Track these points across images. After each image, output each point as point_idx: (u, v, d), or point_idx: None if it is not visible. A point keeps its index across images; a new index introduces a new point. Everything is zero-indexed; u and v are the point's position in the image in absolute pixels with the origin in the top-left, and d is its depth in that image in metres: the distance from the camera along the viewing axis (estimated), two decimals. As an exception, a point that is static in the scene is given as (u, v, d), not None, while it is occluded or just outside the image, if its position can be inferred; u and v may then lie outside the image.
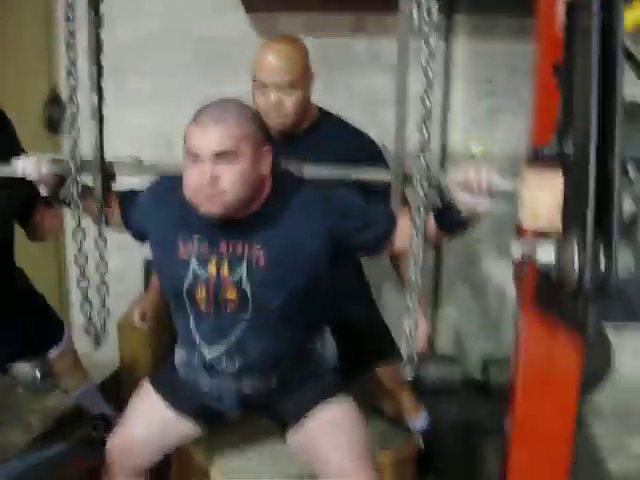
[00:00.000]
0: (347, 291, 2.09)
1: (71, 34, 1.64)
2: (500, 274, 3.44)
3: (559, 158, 0.83)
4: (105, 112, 3.23)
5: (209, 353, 1.74)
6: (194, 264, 1.68)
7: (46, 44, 3.41)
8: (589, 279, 0.70)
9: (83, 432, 2.86)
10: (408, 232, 1.58)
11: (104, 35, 3.29)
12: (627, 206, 0.82)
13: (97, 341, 1.85)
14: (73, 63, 1.66)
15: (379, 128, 2.26)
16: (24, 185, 1.78)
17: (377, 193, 1.70)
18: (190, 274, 1.68)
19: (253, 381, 1.78)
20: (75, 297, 3.57)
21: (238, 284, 1.65)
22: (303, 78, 2.03)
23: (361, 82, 3.21)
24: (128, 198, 1.83)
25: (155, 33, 3.26)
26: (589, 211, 0.70)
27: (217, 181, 1.55)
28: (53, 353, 2.62)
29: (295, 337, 1.76)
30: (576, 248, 0.73)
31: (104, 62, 3.35)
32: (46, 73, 3.43)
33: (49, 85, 3.44)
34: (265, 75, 1.99)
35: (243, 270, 1.65)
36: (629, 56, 0.82)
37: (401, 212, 1.66)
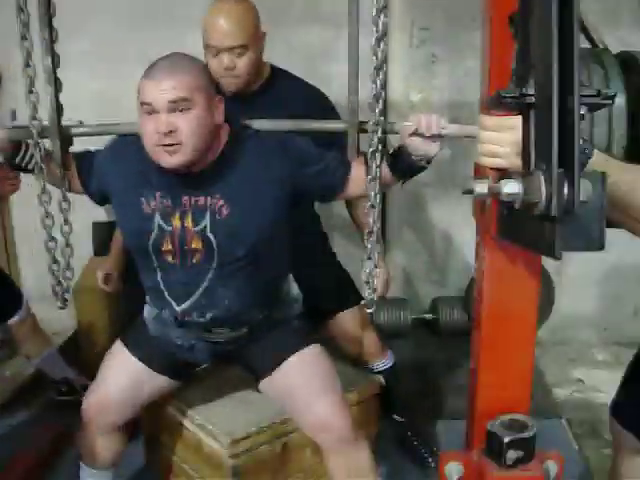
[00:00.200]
0: (306, 240, 2.13)
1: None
2: (444, 217, 3.57)
3: (518, 102, 0.90)
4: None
5: (178, 305, 1.78)
6: (158, 219, 1.72)
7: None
8: (556, 204, 0.78)
9: (46, 397, 2.90)
10: (363, 178, 1.66)
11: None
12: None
13: (64, 302, 1.85)
14: (26, 26, 1.63)
15: (319, 81, 2.31)
16: None
17: (329, 145, 1.77)
18: (155, 228, 1.72)
19: (224, 331, 1.83)
20: (24, 262, 3.58)
21: (202, 233, 1.69)
22: (255, 39, 2.05)
23: (299, 37, 3.23)
24: (85, 161, 1.83)
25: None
26: (553, 146, 0.78)
27: (175, 131, 1.58)
28: (13, 321, 2.65)
29: (262, 285, 1.81)
30: (542, 179, 0.81)
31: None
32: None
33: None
34: (217, 40, 2.00)
35: (207, 220, 1.69)
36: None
37: (356, 160, 1.72)
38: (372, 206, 1.64)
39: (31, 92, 1.69)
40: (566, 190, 0.78)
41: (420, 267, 3.66)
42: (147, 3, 3.19)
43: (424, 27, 3.32)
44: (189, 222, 1.70)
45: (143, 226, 1.73)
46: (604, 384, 2.93)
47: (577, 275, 3.49)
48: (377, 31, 1.54)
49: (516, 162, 1.04)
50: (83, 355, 3.10)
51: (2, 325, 2.65)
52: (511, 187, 0.89)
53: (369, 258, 1.67)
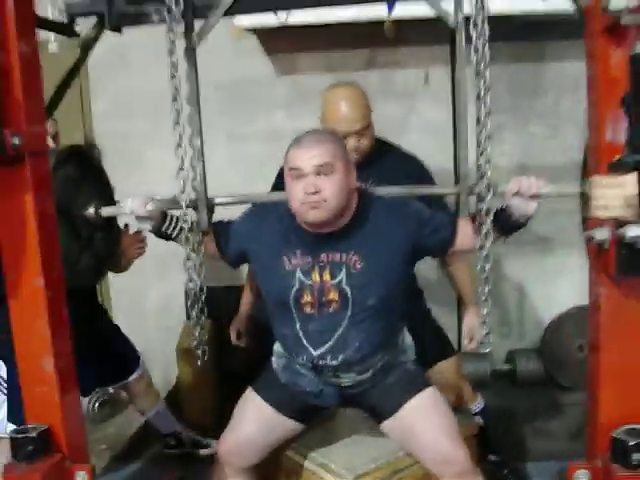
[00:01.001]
0: (411, 296, 2.34)
1: (176, 89, 1.92)
2: (515, 273, 3.78)
3: (635, 164, 1.15)
4: (147, 153, 3.52)
5: (315, 350, 1.98)
6: (299, 274, 1.95)
7: (79, 95, 3.69)
8: None
9: (155, 450, 3.13)
10: (469, 234, 1.91)
11: (137, 84, 3.59)
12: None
13: (203, 358, 2.10)
14: (178, 112, 1.93)
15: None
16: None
17: (427, 204, 2.03)
18: (297, 283, 1.95)
19: (352, 374, 2.03)
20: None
21: (339, 286, 1.92)
22: (370, 118, 2.36)
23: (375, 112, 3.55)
24: (222, 227, 2.09)
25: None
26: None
27: (319, 191, 1.84)
28: (132, 378, 2.89)
29: (386, 331, 2.02)
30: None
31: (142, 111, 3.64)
32: (80, 122, 3.72)
33: (84, 133, 3.73)
34: (342, 126, 2.27)
35: (342, 274, 1.92)
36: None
37: (462, 220, 1.96)
38: (485, 260, 1.88)
39: (182, 169, 1.96)
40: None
41: (494, 321, 3.85)
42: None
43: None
44: (327, 276, 1.93)
45: (285, 281, 1.96)
46: None
47: None
48: (485, 107, 1.82)
49: (626, 212, 1.28)
50: (185, 410, 3.35)
51: (123, 383, 2.89)
52: (634, 231, 1.13)
53: (485, 300, 1.90)
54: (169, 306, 3.89)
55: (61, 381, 1.61)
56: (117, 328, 2.84)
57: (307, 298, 1.95)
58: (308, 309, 1.96)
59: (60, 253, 1.66)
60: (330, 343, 1.97)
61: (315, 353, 1.99)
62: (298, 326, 2.00)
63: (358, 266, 1.92)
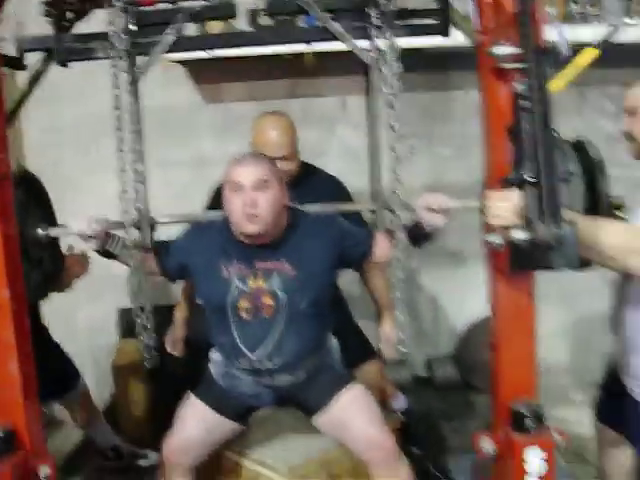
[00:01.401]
0: (335, 303, 2.55)
1: (118, 119, 2.11)
2: (431, 288, 4.09)
3: (519, 181, 1.42)
4: (81, 180, 3.64)
5: (252, 354, 2.17)
6: (236, 281, 2.15)
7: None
8: (552, 239, 1.30)
9: (94, 464, 3.24)
10: (386, 247, 2.17)
11: (70, 111, 3.70)
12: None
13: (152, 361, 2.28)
14: (121, 140, 2.11)
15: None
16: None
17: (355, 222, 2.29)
18: (234, 289, 2.15)
19: (286, 377, 2.23)
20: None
21: (273, 291, 2.13)
22: (296, 145, 2.63)
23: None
24: (162, 246, 2.28)
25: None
26: (545, 206, 1.30)
27: (256, 204, 2.05)
28: (72, 394, 3.02)
29: (318, 335, 2.25)
30: (542, 226, 1.33)
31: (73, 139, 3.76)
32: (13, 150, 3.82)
33: (17, 161, 3.83)
34: (271, 151, 2.50)
35: (276, 280, 2.14)
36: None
37: (378, 234, 2.22)
38: (398, 271, 2.13)
39: (125, 192, 2.14)
40: (554, 230, 1.30)
41: (412, 331, 4.14)
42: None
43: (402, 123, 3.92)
44: (262, 282, 2.14)
45: (223, 288, 2.15)
46: (583, 419, 3.38)
47: (550, 327, 4.01)
48: (396, 136, 2.09)
49: (514, 219, 1.55)
50: (121, 425, 3.46)
51: (64, 398, 3.01)
52: (520, 234, 1.40)
53: (398, 310, 2.16)
54: (101, 326, 4.00)
55: (24, 385, 1.77)
56: (58, 345, 2.96)
57: (243, 304, 2.14)
58: (244, 315, 2.15)
59: (22, 281, 1.82)
60: (267, 347, 2.16)
61: (253, 357, 2.17)
62: (236, 333, 2.17)
63: (290, 273, 2.14)
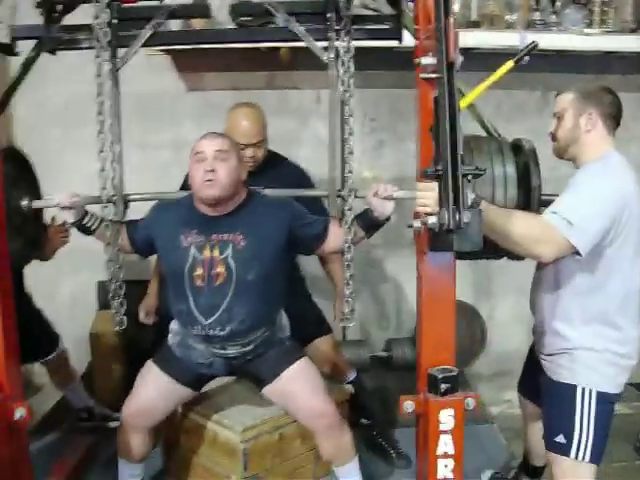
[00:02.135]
0: (292, 282, 2.70)
1: (101, 104, 2.34)
2: (391, 273, 4.35)
3: (435, 173, 1.65)
4: (64, 158, 3.82)
5: (206, 320, 2.32)
6: (193, 250, 2.35)
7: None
8: (454, 224, 1.55)
9: (68, 424, 3.45)
10: (338, 233, 2.38)
11: (57, 93, 3.89)
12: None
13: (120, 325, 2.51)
14: (102, 123, 2.34)
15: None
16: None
17: (308, 208, 2.51)
18: (190, 258, 2.33)
19: (237, 347, 2.41)
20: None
21: (225, 260, 2.32)
22: (265, 134, 2.85)
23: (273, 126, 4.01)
24: (131, 223, 2.50)
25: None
26: (450, 196, 1.55)
27: (216, 171, 2.28)
28: (51, 356, 3.23)
29: (266, 308, 2.41)
30: (446, 213, 1.57)
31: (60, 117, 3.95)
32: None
33: (7, 138, 4.03)
34: (242, 139, 2.72)
35: (229, 250, 2.33)
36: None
37: (332, 221, 2.43)
38: (349, 254, 2.37)
39: (103, 170, 2.38)
40: (457, 217, 1.54)
41: (374, 315, 4.39)
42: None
43: (373, 118, 4.16)
44: (216, 252, 2.33)
45: (181, 255, 2.35)
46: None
47: (505, 318, 4.28)
48: (349, 129, 2.32)
49: (436, 208, 1.78)
50: (98, 388, 3.69)
51: (45, 359, 3.22)
52: (432, 219, 1.64)
53: (348, 284, 2.39)
54: (81, 298, 4.23)
55: (5, 339, 2.01)
56: (40, 311, 3.17)
57: (198, 271, 2.34)
58: (199, 282, 2.34)
59: (7, 245, 2.03)
60: (218, 314, 2.34)
61: (205, 322, 2.35)
62: (191, 299, 2.35)
63: (242, 244, 2.34)
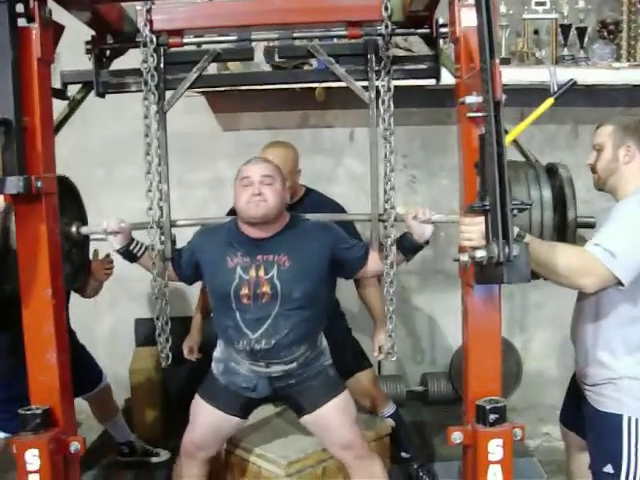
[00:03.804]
0: (331, 317, 2.76)
1: (149, 145, 2.43)
2: (426, 306, 4.37)
3: (482, 208, 1.70)
4: (103, 197, 3.94)
5: (252, 334, 2.39)
6: (239, 270, 2.42)
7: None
8: (504, 257, 1.59)
9: (109, 459, 3.52)
10: (378, 258, 2.46)
11: (97, 134, 4.02)
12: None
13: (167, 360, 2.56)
14: (150, 163, 2.44)
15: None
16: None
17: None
18: (237, 278, 2.41)
19: (279, 364, 2.45)
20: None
21: (271, 280, 2.40)
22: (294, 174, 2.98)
23: (308, 164, 4.08)
24: (175, 251, 2.56)
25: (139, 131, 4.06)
26: (499, 230, 1.60)
27: (262, 194, 2.36)
28: (97, 389, 3.30)
29: (308, 326, 2.45)
30: (495, 247, 1.61)
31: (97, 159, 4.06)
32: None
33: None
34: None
35: (274, 270, 2.40)
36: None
37: (371, 250, 2.49)
38: (391, 282, 2.43)
39: (150, 209, 2.44)
40: (507, 250, 1.59)
41: (409, 349, 4.41)
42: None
43: (405, 155, 4.23)
44: (262, 272, 2.41)
45: (228, 277, 2.42)
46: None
47: (540, 350, 4.27)
48: (391, 166, 2.40)
49: (480, 241, 1.82)
50: (136, 425, 3.73)
51: (90, 393, 3.28)
52: (480, 253, 1.68)
53: (390, 317, 2.44)
54: (119, 334, 4.30)
55: (60, 372, 2.06)
56: (84, 346, 3.25)
57: (245, 291, 2.41)
58: (245, 300, 2.41)
59: (62, 281, 2.10)
60: (264, 327, 2.41)
61: (252, 336, 2.41)
62: (238, 315, 2.43)
63: (287, 264, 2.41)
